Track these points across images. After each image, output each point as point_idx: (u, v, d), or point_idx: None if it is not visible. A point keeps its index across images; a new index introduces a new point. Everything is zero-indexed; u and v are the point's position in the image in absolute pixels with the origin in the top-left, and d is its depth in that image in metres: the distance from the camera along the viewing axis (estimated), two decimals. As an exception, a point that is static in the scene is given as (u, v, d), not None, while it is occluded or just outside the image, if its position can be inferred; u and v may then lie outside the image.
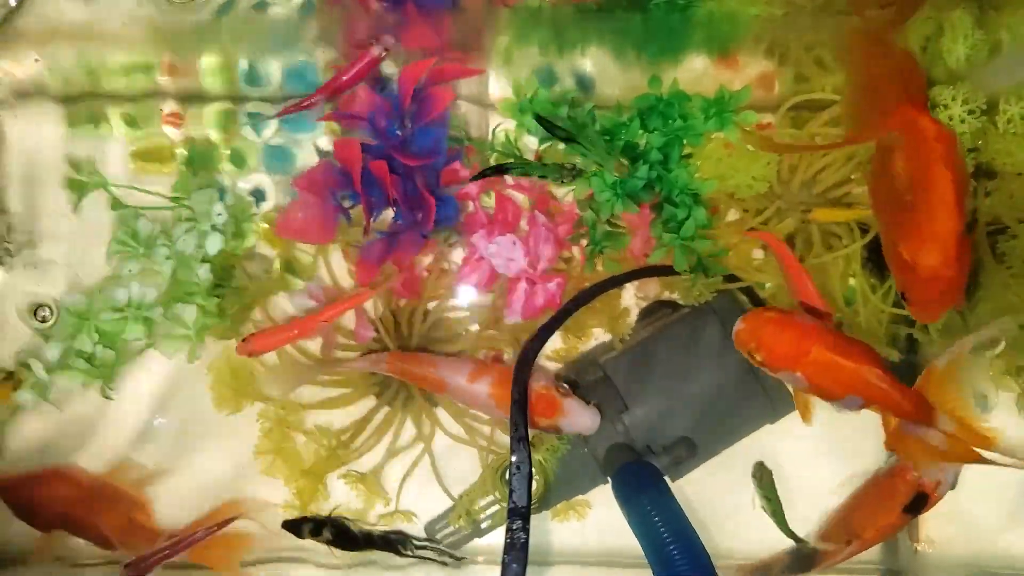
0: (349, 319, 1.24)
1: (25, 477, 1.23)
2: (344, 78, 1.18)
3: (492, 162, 1.21)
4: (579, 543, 1.25)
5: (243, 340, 1.18)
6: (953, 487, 1.11)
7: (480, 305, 1.24)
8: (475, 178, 1.17)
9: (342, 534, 1.22)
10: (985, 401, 1.20)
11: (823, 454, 1.21)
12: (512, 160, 1.19)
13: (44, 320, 1.26)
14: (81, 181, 1.25)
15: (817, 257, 1.15)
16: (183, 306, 1.20)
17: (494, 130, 1.22)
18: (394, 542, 1.23)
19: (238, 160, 1.27)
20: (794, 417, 1.17)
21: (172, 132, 1.27)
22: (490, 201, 1.22)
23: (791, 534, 1.20)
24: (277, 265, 1.26)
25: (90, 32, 1.23)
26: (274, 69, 1.26)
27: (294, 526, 1.22)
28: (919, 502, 1.11)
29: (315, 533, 1.21)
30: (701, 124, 1.15)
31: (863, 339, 1.04)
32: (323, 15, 1.25)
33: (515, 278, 1.19)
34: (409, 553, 1.23)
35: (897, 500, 1.11)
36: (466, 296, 1.24)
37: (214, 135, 1.27)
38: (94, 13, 1.22)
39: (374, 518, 1.25)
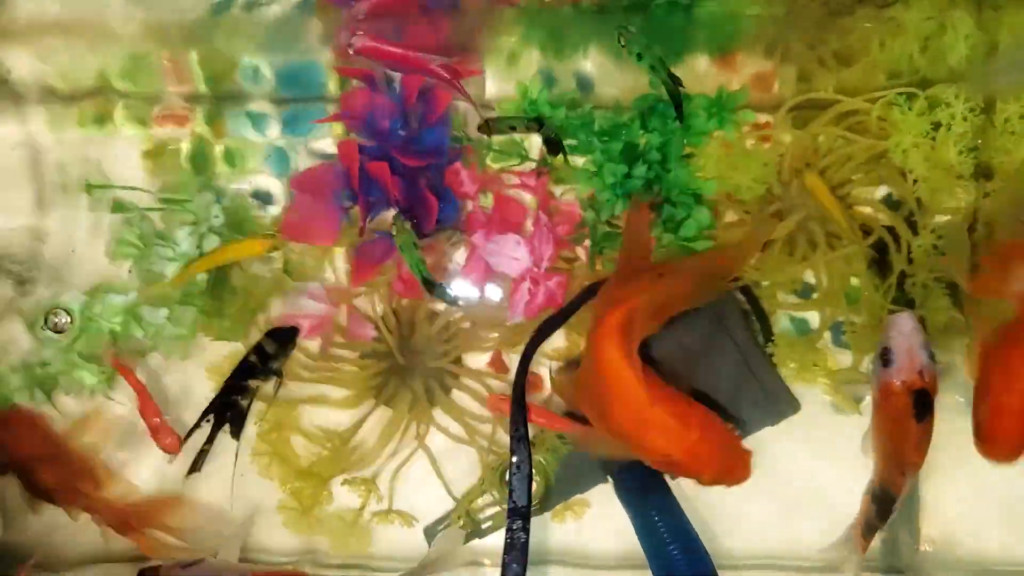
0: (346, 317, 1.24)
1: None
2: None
3: (491, 162, 1.22)
4: (579, 543, 1.24)
5: None
6: (934, 359, 1.01)
7: (482, 304, 1.23)
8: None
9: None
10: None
11: (825, 455, 1.21)
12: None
13: (56, 327, 1.25)
14: (84, 181, 1.24)
15: (822, 256, 1.16)
16: (183, 308, 1.21)
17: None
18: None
19: (239, 161, 1.26)
20: (795, 419, 1.18)
21: (173, 132, 1.26)
22: (488, 201, 1.22)
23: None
24: (280, 266, 1.25)
25: (91, 30, 1.23)
26: (272, 69, 1.26)
27: None
28: (924, 401, 0.99)
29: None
30: (702, 124, 1.16)
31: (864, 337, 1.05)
32: (324, 15, 1.24)
33: (519, 278, 1.19)
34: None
35: (905, 415, 1.00)
36: (466, 295, 1.23)
37: (216, 136, 1.26)
38: (93, 9, 1.22)
39: (369, 516, 1.24)
